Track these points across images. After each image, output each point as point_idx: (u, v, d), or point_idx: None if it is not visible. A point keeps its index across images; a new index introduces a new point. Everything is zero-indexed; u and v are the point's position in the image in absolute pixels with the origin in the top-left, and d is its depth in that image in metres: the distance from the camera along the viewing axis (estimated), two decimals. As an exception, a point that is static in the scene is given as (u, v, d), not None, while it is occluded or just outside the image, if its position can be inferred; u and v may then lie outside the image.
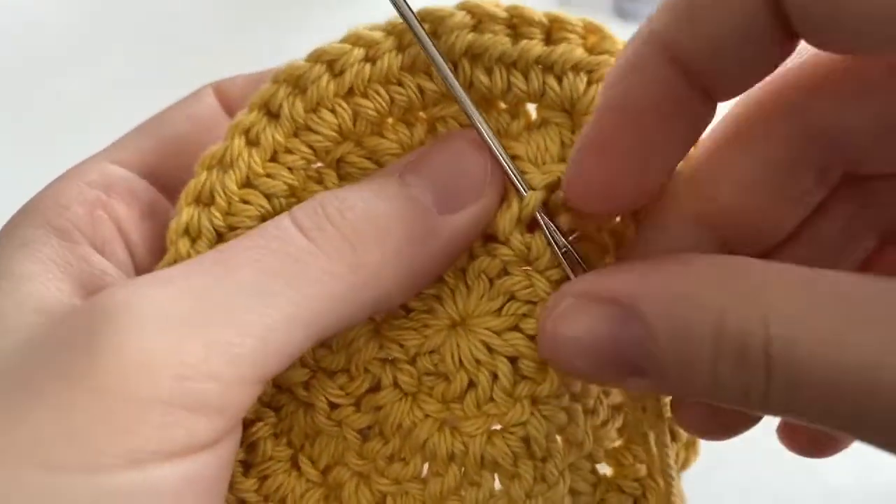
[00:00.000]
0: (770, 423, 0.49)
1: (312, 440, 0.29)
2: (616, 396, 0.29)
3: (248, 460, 0.28)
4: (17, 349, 0.23)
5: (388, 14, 0.27)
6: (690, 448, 0.30)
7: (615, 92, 0.23)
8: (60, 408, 0.21)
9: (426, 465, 0.28)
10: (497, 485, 0.28)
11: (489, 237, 0.27)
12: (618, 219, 0.28)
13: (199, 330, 0.22)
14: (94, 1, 0.76)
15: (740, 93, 0.23)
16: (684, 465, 0.30)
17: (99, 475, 0.20)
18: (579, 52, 0.26)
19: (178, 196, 0.28)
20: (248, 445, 0.28)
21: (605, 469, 0.30)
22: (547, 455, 0.27)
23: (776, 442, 0.50)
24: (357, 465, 0.28)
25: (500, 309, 0.27)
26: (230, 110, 0.31)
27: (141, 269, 0.29)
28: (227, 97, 0.32)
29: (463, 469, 0.28)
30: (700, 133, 0.24)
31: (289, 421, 0.28)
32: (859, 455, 0.47)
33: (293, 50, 0.27)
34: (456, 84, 0.26)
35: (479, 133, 0.26)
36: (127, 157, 0.30)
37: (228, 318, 0.22)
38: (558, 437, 0.28)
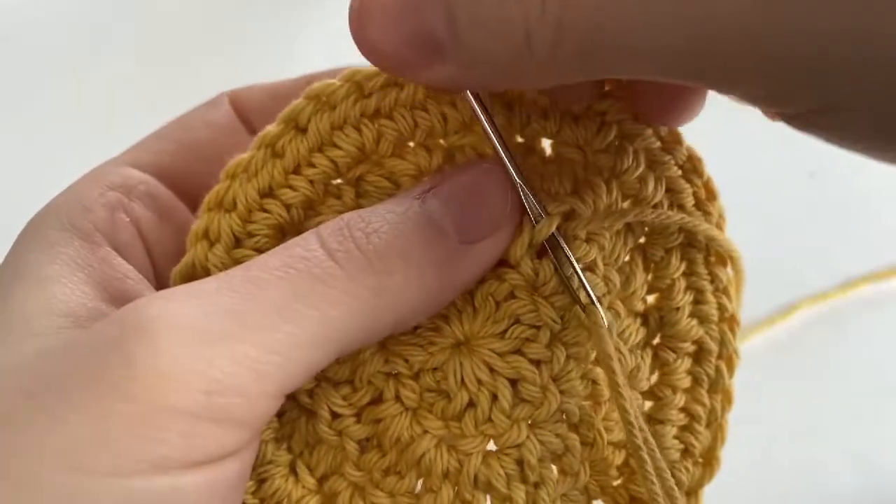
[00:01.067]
0: (770, 425, 0.49)
1: (312, 448, 0.29)
2: (617, 434, 0.30)
3: None
4: (45, 352, 0.23)
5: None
6: (706, 466, 0.30)
7: None
8: (94, 415, 0.21)
9: (421, 481, 0.29)
10: None
11: (499, 262, 0.28)
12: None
13: (227, 346, 0.22)
14: (96, 1, 0.76)
15: None
16: (699, 482, 0.30)
17: (127, 479, 0.21)
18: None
19: (195, 199, 0.29)
20: None
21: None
22: (540, 481, 0.28)
23: (776, 443, 0.50)
24: (353, 477, 0.29)
25: (505, 332, 0.28)
26: (245, 118, 0.33)
27: (160, 271, 0.30)
28: (243, 105, 0.33)
29: (456, 488, 0.28)
30: None
31: (290, 427, 0.29)
32: (860, 454, 0.48)
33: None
34: (476, 107, 0.27)
35: (498, 155, 0.27)
36: (146, 160, 0.30)
37: (255, 336, 0.23)
38: (553, 467, 0.29)
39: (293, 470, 0.29)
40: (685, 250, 0.30)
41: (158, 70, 0.69)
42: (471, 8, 0.22)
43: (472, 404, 0.28)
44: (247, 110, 0.33)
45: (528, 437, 0.28)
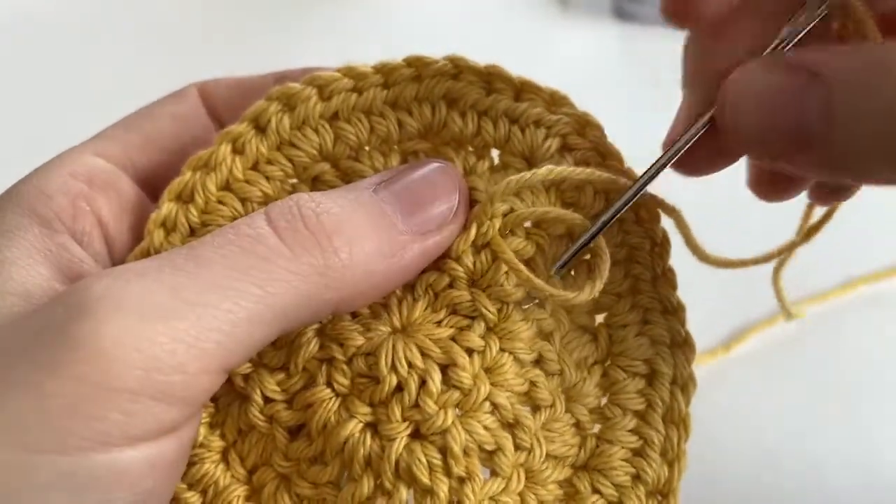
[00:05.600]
0: (769, 421, 0.49)
1: (244, 437, 0.29)
2: (560, 447, 0.30)
3: None
4: None
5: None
6: (664, 499, 0.30)
7: None
8: (38, 394, 0.22)
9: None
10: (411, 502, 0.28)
11: (442, 253, 0.29)
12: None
13: (167, 324, 0.23)
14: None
15: None
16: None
17: (69, 456, 0.22)
18: (540, 110, 0.30)
19: (157, 190, 0.30)
20: None
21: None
22: (466, 477, 0.28)
23: (776, 442, 0.50)
24: (281, 467, 0.29)
25: (441, 321, 0.29)
26: (213, 111, 0.33)
27: (117, 261, 0.30)
28: (211, 98, 0.33)
29: (379, 479, 0.27)
30: None
31: (225, 413, 0.29)
32: (860, 454, 0.47)
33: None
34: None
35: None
36: (111, 150, 0.31)
37: (196, 313, 0.23)
38: (484, 468, 0.28)
39: (225, 458, 0.29)
40: (630, 266, 0.31)
41: (159, 69, 0.69)
42: (852, 103, 0.23)
43: (400, 388, 0.28)
44: (214, 103, 0.33)
45: (453, 423, 0.27)
